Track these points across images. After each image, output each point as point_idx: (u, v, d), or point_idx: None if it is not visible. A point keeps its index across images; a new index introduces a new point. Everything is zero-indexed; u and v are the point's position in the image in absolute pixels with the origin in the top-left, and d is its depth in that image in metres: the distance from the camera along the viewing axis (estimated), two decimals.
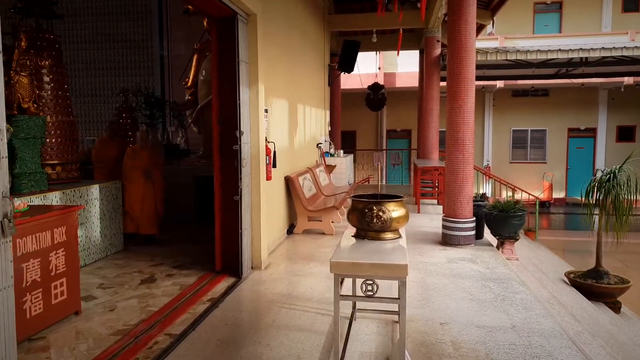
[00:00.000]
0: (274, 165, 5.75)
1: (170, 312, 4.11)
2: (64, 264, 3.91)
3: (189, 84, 8.48)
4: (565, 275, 7.08)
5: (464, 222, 6.19)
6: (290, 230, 7.07)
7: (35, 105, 4.91)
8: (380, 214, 2.98)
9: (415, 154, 15.21)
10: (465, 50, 6.17)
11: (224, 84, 5.00)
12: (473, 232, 6.25)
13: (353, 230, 3.23)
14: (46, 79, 5.55)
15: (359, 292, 3.22)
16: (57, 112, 5.65)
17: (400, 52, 16.44)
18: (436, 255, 5.86)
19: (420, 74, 13.00)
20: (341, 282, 2.81)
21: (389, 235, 3.09)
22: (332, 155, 10.41)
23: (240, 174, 4.96)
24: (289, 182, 6.93)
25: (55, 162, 5.63)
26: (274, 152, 5.77)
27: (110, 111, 8.59)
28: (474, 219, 6.27)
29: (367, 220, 3.00)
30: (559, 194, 18.10)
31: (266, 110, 5.75)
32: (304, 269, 5.34)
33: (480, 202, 6.49)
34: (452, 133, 6.28)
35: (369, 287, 2.70)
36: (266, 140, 5.55)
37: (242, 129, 4.93)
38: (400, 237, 3.15)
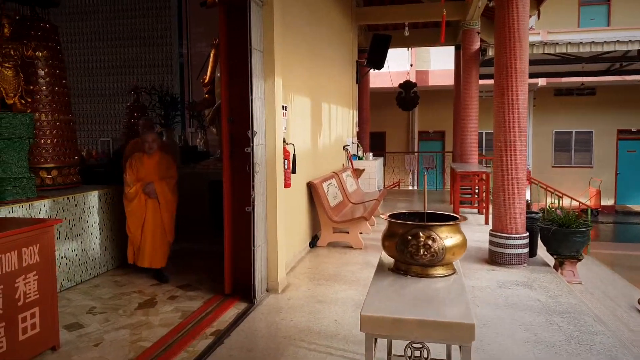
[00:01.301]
0: (294, 171, 4.99)
1: (164, 351, 3.39)
2: (36, 291, 3.23)
3: (206, 80, 7.82)
4: (639, 302, 6.09)
5: (516, 238, 5.29)
6: (313, 243, 6.30)
7: (23, 102, 4.29)
8: (430, 242, 2.17)
9: (450, 157, 14.23)
10: (517, 37, 5.27)
11: (234, 75, 4.28)
12: (526, 250, 5.34)
13: (390, 261, 2.43)
14: (40, 72, 4.95)
15: (397, 351, 2.42)
16: (53, 109, 5.05)
17: (433, 47, 15.53)
18: (483, 277, 4.98)
19: (457, 71, 12.05)
20: (375, 340, 2.01)
21: (440, 270, 2.28)
22: (360, 158, 9.60)
23: (253, 181, 4.21)
24: (312, 189, 6.17)
25: (51, 165, 5.03)
26: (294, 155, 5.02)
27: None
28: (527, 234, 5.36)
29: (410, 251, 2.20)
30: (607, 201, 16.74)
31: (285, 107, 5.01)
32: (328, 293, 4.56)
33: (533, 215, 5.57)
34: (501, 134, 5.39)
35: (417, 353, 1.89)
36: (284, 141, 4.80)
37: (255, 129, 4.19)
38: (454, 272, 2.33)
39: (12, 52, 4.14)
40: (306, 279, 5.01)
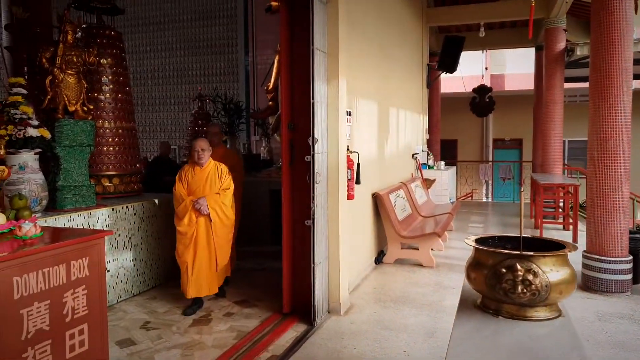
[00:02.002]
0: (358, 181, 4.59)
1: None
2: (85, 306, 3.06)
3: (270, 87, 7.63)
4: None
5: (617, 262, 4.55)
6: (379, 259, 5.85)
7: (85, 109, 4.24)
8: (530, 277, 1.70)
9: (528, 167, 13.19)
10: (620, 30, 4.56)
11: (294, 78, 3.97)
12: (630, 276, 4.58)
13: (475, 295, 1.97)
14: (104, 79, 4.93)
15: None
16: (116, 117, 5.00)
17: (510, 50, 14.56)
18: (578, 306, 4.30)
19: (537, 74, 11.13)
20: None
21: (542, 312, 1.79)
22: (430, 167, 9.02)
23: (314, 193, 3.87)
24: (378, 201, 5.73)
25: (113, 173, 4.97)
26: (358, 164, 4.62)
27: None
28: (631, 257, 4.60)
29: (504, 288, 1.74)
30: None
31: (349, 113, 4.64)
32: (396, 318, 4.10)
33: (637, 235, 4.79)
34: (598, 142, 4.69)
35: None
36: (348, 149, 4.43)
37: (316, 136, 3.85)
38: (561, 315, 1.83)
39: (75, 59, 4.09)
40: (371, 300, 4.58)
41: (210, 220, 4.21)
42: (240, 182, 4.75)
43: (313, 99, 3.84)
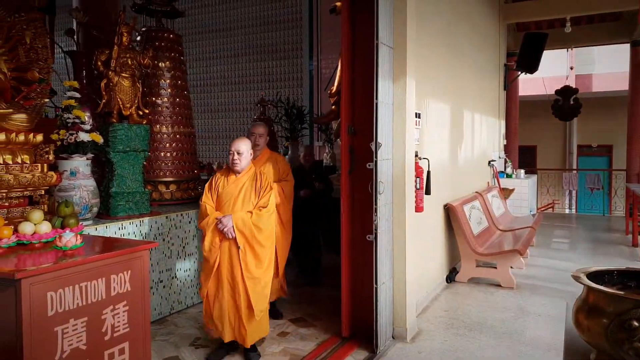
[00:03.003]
0: (427, 192, 4.11)
1: None
2: (125, 323, 2.83)
3: (333, 91, 7.27)
4: None
5: None
6: (451, 277, 5.29)
7: (140, 113, 4.11)
8: None
9: (620, 176, 11.88)
10: None
11: (355, 76, 3.59)
12: None
13: (584, 346, 1.46)
14: (162, 83, 4.82)
15: None
16: (173, 122, 4.88)
17: (599, 47, 13.29)
18: None
19: (633, 73, 9.96)
20: None
21: None
22: (508, 175, 8.25)
23: (376, 204, 3.44)
24: (450, 213, 5.19)
25: (170, 179, 4.84)
26: (428, 172, 4.14)
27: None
28: None
29: (636, 348, 1.23)
30: None
31: (418, 115, 4.17)
32: (472, 348, 3.57)
33: None
34: None
35: None
36: (416, 155, 3.96)
37: (379, 140, 3.43)
38: None
39: (130, 62, 3.97)
40: (442, 326, 4.06)
41: (238, 248, 3.27)
42: (291, 193, 4.05)
43: (377, 99, 3.43)
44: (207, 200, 3.39)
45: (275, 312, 4.19)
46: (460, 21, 5.88)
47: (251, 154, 3.46)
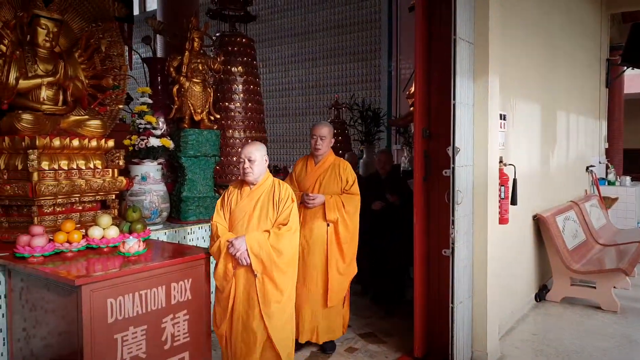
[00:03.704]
0: (513, 201, 3.68)
1: None
2: (186, 332, 2.77)
3: (411, 92, 6.96)
4: None
5: None
6: (540, 295, 4.76)
7: (211, 118, 4.11)
8: None
9: None
10: None
11: (431, 74, 3.29)
12: None
13: None
14: (235, 88, 4.81)
15: None
16: (245, 127, 4.85)
17: None
18: None
19: None
20: None
21: None
22: (611, 183, 7.38)
23: (454, 215, 3.12)
24: (540, 224, 4.67)
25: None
26: (514, 180, 3.71)
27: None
28: None
29: None
30: None
31: (502, 117, 3.77)
32: None
33: None
34: None
35: None
36: (501, 161, 3.57)
37: (457, 144, 3.11)
38: None
39: (201, 67, 3.97)
40: (529, 351, 3.62)
41: (255, 276, 2.70)
42: (356, 210, 3.51)
43: (454, 99, 3.12)
44: (219, 219, 2.83)
45: (326, 347, 3.61)
46: (554, 11, 5.31)
47: (266, 160, 2.87)
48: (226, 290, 2.78)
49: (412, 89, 7.05)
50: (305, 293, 3.47)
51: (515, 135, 4.22)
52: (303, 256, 3.43)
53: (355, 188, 3.52)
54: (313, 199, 3.40)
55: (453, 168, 3.10)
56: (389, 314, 4.37)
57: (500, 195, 3.54)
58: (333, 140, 3.63)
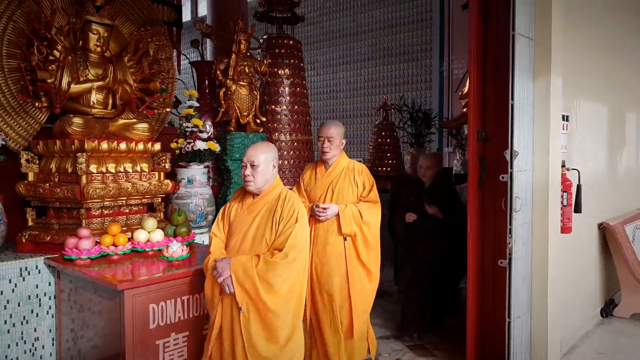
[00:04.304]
0: (577, 209, 3.40)
1: None
2: None
3: (464, 92, 6.68)
4: None
5: None
6: (607, 311, 4.40)
7: (257, 121, 4.07)
8: None
9: None
10: None
11: (487, 72, 3.09)
12: None
13: None
14: (282, 90, 4.76)
15: None
16: (292, 129, 4.79)
17: None
18: None
19: None
20: None
21: None
22: None
23: (511, 224, 2.90)
24: (607, 234, 4.32)
25: (288, 187, 4.74)
26: (578, 186, 3.42)
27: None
28: None
29: None
30: None
31: (565, 118, 3.49)
32: None
33: None
34: None
35: None
36: (563, 165, 3.30)
37: (516, 148, 2.88)
38: None
39: (247, 70, 3.94)
40: None
41: (240, 309, 2.20)
42: (376, 221, 3.03)
43: (512, 99, 2.90)
44: (216, 231, 2.46)
45: None
46: (621, 7, 4.91)
47: (274, 166, 2.44)
48: (212, 317, 2.32)
49: (466, 89, 6.77)
50: (321, 324, 2.95)
51: (579, 137, 3.92)
52: (318, 279, 2.95)
53: (374, 194, 3.02)
54: (325, 210, 2.89)
55: (511, 173, 2.88)
56: (434, 326, 4.10)
57: (562, 202, 3.27)
58: (344, 142, 3.10)
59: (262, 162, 2.36)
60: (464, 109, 6.83)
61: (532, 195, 3.10)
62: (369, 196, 3.02)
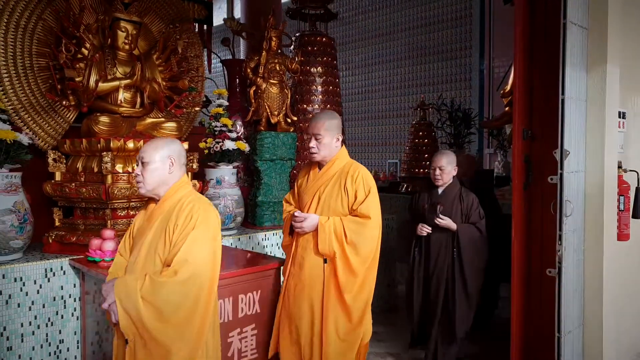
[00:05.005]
0: (636, 214, 3.09)
1: None
2: (254, 349, 2.60)
3: (507, 90, 6.37)
4: None
5: None
6: None
7: (288, 120, 3.94)
8: None
9: None
10: None
11: (533, 65, 2.85)
12: None
13: None
14: (314, 89, 4.62)
15: None
16: None
17: None
18: None
19: None
20: None
21: None
22: None
23: (561, 229, 2.64)
24: None
25: None
26: (637, 188, 3.12)
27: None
28: None
29: None
30: None
31: (622, 115, 3.19)
32: None
33: None
34: None
35: None
36: (620, 167, 3.01)
37: (567, 147, 2.63)
38: None
39: (278, 67, 3.82)
40: None
41: (126, 342, 1.82)
42: (371, 239, 2.39)
43: (563, 93, 2.64)
44: (120, 249, 2.09)
45: None
46: None
47: (172, 163, 1.93)
48: (114, 344, 1.93)
49: (508, 87, 6.45)
50: (292, 355, 2.47)
51: (638, 136, 3.59)
52: (289, 308, 2.47)
53: (368, 208, 2.33)
54: (301, 221, 2.36)
55: (561, 174, 2.63)
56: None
57: (619, 207, 2.98)
58: (340, 137, 2.46)
59: (157, 160, 1.90)
60: (506, 108, 6.51)
61: (584, 199, 2.83)
62: (360, 209, 2.33)
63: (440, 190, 3.28)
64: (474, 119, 7.11)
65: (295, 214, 2.41)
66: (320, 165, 2.50)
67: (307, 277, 2.40)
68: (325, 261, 2.36)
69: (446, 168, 3.23)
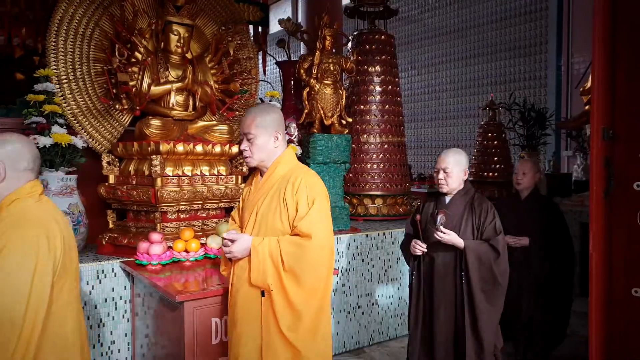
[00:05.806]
0: None
1: None
2: None
3: (587, 86, 5.86)
4: None
5: None
6: None
7: (343, 122, 3.80)
8: None
9: None
10: None
11: (616, 57, 2.49)
12: None
13: None
14: (371, 89, 4.45)
15: None
16: (382, 131, 4.46)
17: None
18: None
19: None
20: None
21: None
22: None
23: None
24: None
25: (376, 193, 4.43)
26: None
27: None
28: None
29: None
30: None
31: None
32: None
33: None
34: None
35: None
36: None
37: None
38: None
39: (332, 67, 3.69)
40: None
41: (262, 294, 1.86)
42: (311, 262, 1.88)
43: None
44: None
45: None
46: None
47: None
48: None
49: (588, 84, 5.91)
50: None
51: None
52: (229, 339, 2.02)
53: (310, 224, 1.84)
54: (230, 245, 1.90)
55: None
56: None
57: None
58: (281, 137, 2.00)
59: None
60: (586, 107, 5.98)
61: None
62: (299, 226, 1.84)
63: (447, 199, 2.59)
64: (550, 118, 6.57)
65: (224, 235, 1.94)
66: (262, 172, 2.04)
67: (243, 311, 1.89)
68: (262, 294, 1.85)
69: (453, 170, 2.53)
